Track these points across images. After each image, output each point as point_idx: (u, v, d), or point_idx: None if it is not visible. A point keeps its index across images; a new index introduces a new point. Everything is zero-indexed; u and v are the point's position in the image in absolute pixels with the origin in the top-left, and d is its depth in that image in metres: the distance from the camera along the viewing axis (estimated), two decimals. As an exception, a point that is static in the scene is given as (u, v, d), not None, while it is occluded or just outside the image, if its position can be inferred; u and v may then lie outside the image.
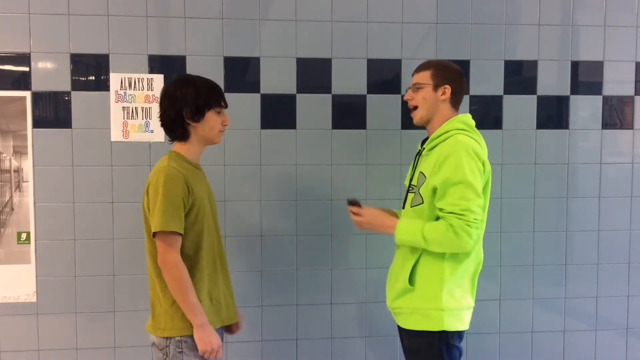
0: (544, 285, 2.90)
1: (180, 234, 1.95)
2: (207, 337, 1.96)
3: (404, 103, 2.76)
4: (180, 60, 2.67)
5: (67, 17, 2.61)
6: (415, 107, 2.15)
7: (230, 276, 2.22)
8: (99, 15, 2.62)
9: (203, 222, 2.03)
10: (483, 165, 2.02)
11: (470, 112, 2.81)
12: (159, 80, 2.66)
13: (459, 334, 2.07)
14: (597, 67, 2.89)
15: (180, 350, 2.00)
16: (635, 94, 2.92)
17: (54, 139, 2.63)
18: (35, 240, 2.65)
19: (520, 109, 2.85)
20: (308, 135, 2.76)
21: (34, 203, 2.64)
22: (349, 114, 2.79)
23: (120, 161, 2.66)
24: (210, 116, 2.06)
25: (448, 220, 1.93)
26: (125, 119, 2.65)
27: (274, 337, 2.80)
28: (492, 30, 2.82)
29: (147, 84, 2.66)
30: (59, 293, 2.67)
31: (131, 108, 2.65)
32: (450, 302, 2.03)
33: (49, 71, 2.62)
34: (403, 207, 2.20)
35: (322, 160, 2.77)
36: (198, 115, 2.03)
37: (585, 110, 2.89)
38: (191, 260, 2.02)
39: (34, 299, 2.66)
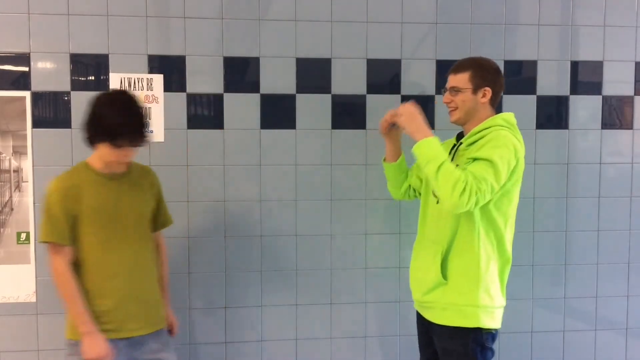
0: (544, 285, 2.90)
1: (63, 244, 2.04)
2: (91, 345, 2.01)
3: (404, 103, 2.79)
4: (180, 60, 2.67)
5: (67, 17, 2.61)
6: (455, 109, 2.13)
7: (158, 283, 2.27)
8: (98, 15, 2.62)
9: (97, 232, 2.07)
10: (517, 162, 2.00)
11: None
12: (158, 80, 2.66)
13: (492, 335, 2.06)
14: (596, 67, 2.89)
15: (71, 352, 2.09)
16: (635, 94, 2.92)
17: (53, 139, 2.63)
18: (35, 241, 2.64)
19: (519, 109, 2.82)
20: (308, 136, 2.76)
21: (34, 203, 2.63)
22: (348, 114, 2.79)
23: (120, 161, 2.66)
24: (102, 147, 2.06)
25: (466, 177, 1.87)
26: (125, 119, 2.65)
27: (274, 337, 2.79)
28: (491, 31, 2.82)
29: (147, 84, 2.66)
30: (55, 293, 2.66)
31: (131, 108, 2.65)
32: (486, 299, 2.03)
33: (49, 71, 2.62)
34: (437, 203, 2.11)
35: (321, 160, 2.77)
36: (89, 141, 2.07)
37: (584, 110, 2.89)
38: (81, 268, 2.09)
39: (33, 299, 2.66)
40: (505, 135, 2.00)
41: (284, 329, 2.80)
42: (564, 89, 2.87)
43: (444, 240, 2.06)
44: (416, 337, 2.77)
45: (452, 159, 2.13)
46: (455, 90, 2.10)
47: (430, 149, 1.97)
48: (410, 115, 2.06)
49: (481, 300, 2.01)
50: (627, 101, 2.92)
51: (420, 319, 2.26)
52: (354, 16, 2.75)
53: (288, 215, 2.77)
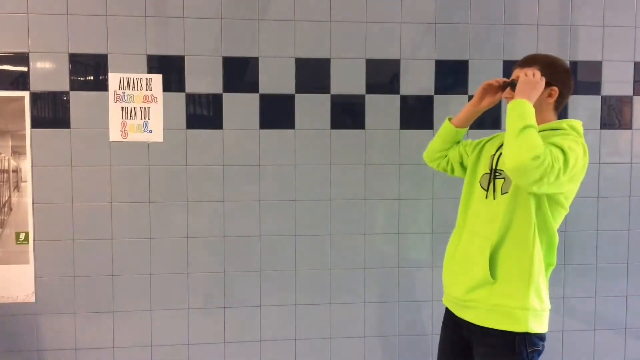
0: (543, 285, 2.90)
1: None
2: None
3: (403, 103, 2.79)
4: (179, 60, 2.67)
5: (66, 17, 2.60)
6: None
7: None
8: (97, 15, 2.62)
9: None
10: (583, 164, 1.84)
11: (469, 112, 2.81)
12: (157, 80, 2.66)
13: (541, 337, 1.90)
14: (595, 67, 2.89)
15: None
16: (634, 94, 2.92)
17: (52, 139, 2.63)
18: (34, 241, 2.64)
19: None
20: (307, 136, 2.76)
21: (33, 203, 2.63)
22: (347, 114, 2.79)
23: (119, 161, 2.66)
24: None
25: (546, 149, 1.69)
26: (124, 119, 2.65)
27: (273, 337, 2.79)
28: (490, 31, 2.82)
29: (146, 84, 2.66)
30: (57, 293, 2.67)
31: (130, 108, 2.65)
32: (536, 302, 1.86)
33: (48, 71, 2.61)
34: (487, 194, 1.96)
35: (320, 160, 2.77)
36: None
37: (583, 110, 2.89)
38: None
39: (32, 299, 2.66)
40: (576, 138, 1.84)
41: (283, 328, 2.80)
42: (563, 89, 2.87)
43: (494, 234, 1.87)
44: (416, 337, 2.76)
45: (499, 151, 1.96)
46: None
47: (526, 110, 1.76)
48: (535, 83, 1.84)
49: (532, 303, 1.85)
50: (626, 101, 2.92)
51: (452, 317, 2.05)
52: (353, 16, 2.75)
53: (287, 215, 2.77)
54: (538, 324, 1.88)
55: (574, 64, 2.87)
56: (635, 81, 2.91)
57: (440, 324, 2.16)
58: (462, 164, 2.19)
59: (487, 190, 1.97)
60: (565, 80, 1.93)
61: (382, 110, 2.80)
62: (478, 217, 1.99)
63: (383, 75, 2.80)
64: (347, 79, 2.77)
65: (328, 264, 2.81)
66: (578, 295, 2.93)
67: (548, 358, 2.92)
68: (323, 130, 2.77)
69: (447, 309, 2.11)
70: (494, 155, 2.00)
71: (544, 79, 1.86)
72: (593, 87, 2.89)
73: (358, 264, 2.82)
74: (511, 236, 1.87)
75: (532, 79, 1.85)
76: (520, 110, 1.77)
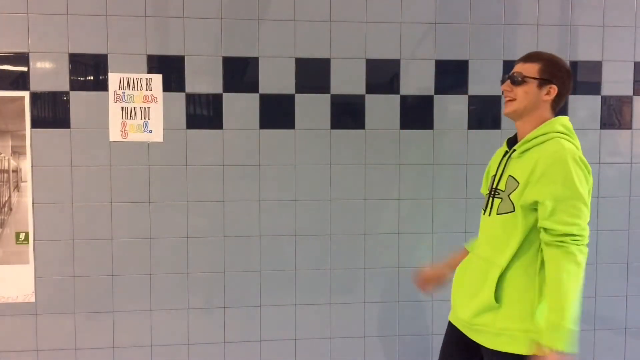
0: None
1: None
2: None
3: (403, 103, 2.79)
4: (179, 61, 2.67)
5: (66, 17, 2.60)
6: (512, 100, 1.92)
7: None
8: (97, 15, 2.62)
9: None
10: (586, 167, 1.84)
11: (469, 112, 2.81)
12: (157, 80, 2.66)
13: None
14: (595, 67, 2.89)
15: None
16: (634, 94, 2.92)
17: (52, 139, 2.63)
18: (34, 240, 2.64)
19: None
20: (307, 136, 2.76)
21: (33, 203, 2.63)
22: (347, 114, 2.79)
23: (119, 161, 2.66)
24: None
25: (565, 248, 1.73)
26: (124, 119, 2.65)
27: (273, 337, 2.79)
28: (490, 30, 2.82)
29: (146, 84, 2.66)
30: (57, 293, 2.67)
31: (130, 108, 2.65)
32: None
33: (48, 71, 2.61)
34: (485, 213, 2.00)
35: (320, 160, 2.77)
36: None
37: (583, 110, 2.89)
38: None
39: (32, 299, 2.66)
40: (569, 149, 1.80)
41: (283, 328, 2.80)
42: (563, 89, 2.87)
43: (502, 260, 1.86)
44: (415, 337, 2.76)
45: (503, 170, 1.95)
46: (520, 78, 1.90)
47: (570, 320, 1.73)
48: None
49: (533, 324, 1.82)
50: (626, 101, 2.92)
51: (458, 333, 2.04)
52: (353, 16, 2.75)
53: (287, 215, 2.77)
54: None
55: (574, 64, 2.87)
56: (635, 81, 2.92)
57: (440, 323, 2.18)
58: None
59: (485, 210, 1.99)
60: (566, 80, 1.93)
61: (382, 110, 2.80)
62: (480, 238, 2.03)
63: (383, 75, 2.80)
64: (347, 78, 2.77)
65: (328, 264, 2.81)
66: (578, 295, 2.93)
67: (548, 358, 2.93)
68: (323, 130, 2.77)
69: (450, 323, 2.11)
70: (495, 175, 2.00)
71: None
72: (593, 87, 2.89)
73: (358, 264, 2.82)
74: (518, 263, 1.86)
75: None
76: (572, 312, 1.73)
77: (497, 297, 1.86)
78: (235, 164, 2.73)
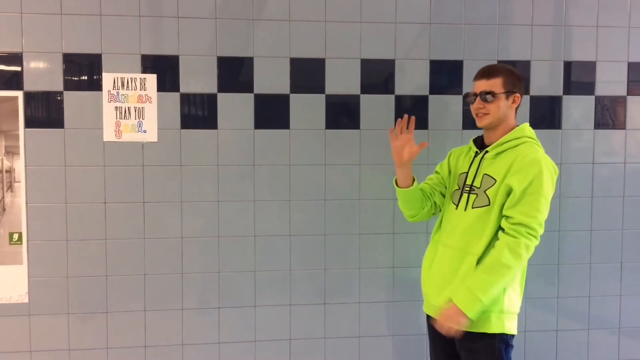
0: (537, 285, 2.90)
1: None
2: None
3: (398, 103, 2.80)
4: (174, 60, 2.67)
5: (60, 17, 2.59)
6: (486, 114, 2.12)
7: None
8: (91, 14, 2.61)
9: None
10: (555, 173, 2.08)
11: (463, 112, 2.82)
12: (152, 80, 2.65)
13: (513, 336, 2.10)
14: (589, 67, 2.90)
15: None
16: (628, 94, 2.93)
17: (46, 139, 2.62)
18: (28, 241, 2.63)
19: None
20: (302, 136, 2.76)
21: (26, 203, 2.62)
22: (342, 114, 2.79)
23: (113, 161, 2.65)
24: None
25: (517, 239, 1.95)
26: (118, 119, 2.64)
27: (268, 338, 2.79)
28: (485, 31, 2.82)
29: (140, 84, 2.65)
30: (51, 294, 2.66)
31: (124, 108, 2.64)
32: (509, 306, 2.07)
33: (41, 71, 2.60)
34: (457, 208, 2.17)
35: (315, 160, 2.77)
36: None
37: (577, 110, 2.90)
38: None
39: (26, 300, 2.65)
40: (545, 157, 2.04)
41: (278, 329, 2.80)
42: (557, 89, 2.88)
43: (478, 249, 2.05)
44: (409, 337, 2.79)
45: (477, 169, 2.14)
46: (491, 95, 2.09)
47: (485, 295, 1.98)
48: (451, 325, 2.03)
49: (505, 306, 2.05)
50: (619, 101, 2.93)
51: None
52: (348, 16, 2.75)
53: (282, 215, 2.77)
54: (511, 325, 2.08)
55: (568, 64, 2.88)
56: (629, 81, 2.92)
57: None
58: (444, 194, 2.37)
59: (457, 204, 2.16)
60: (521, 85, 2.17)
61: (377, 110, 2.80)
62: (450, 230, 2.17)
63: (378, 75, 2.80)
64: (342, 78, 2.77)
65: (323, 264, 2.80)
66: (572, 295, 2.94)
67: (543, 357, 2.95)
68: (318, 130, 2.77)
69: (428, 316, 2.29)
70: (467, 173, 2.18)
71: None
72: (587, 87, 2.90)
73: (353, 264, 2.82)
74: (491, 248, 2.04)
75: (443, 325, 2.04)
76: (487, 295, 1.98)
77: None
78: (230, 164, 2.72)
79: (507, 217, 1.99)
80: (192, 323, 2.74)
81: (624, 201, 2.94)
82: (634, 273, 2.97)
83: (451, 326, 2.00)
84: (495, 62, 2.80)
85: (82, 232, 2.65)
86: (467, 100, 2.18)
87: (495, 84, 2.09)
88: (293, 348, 2.81)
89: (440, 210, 2.37)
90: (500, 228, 2.03)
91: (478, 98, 2.12)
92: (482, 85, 2.12)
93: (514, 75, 2.14)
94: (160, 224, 2.69)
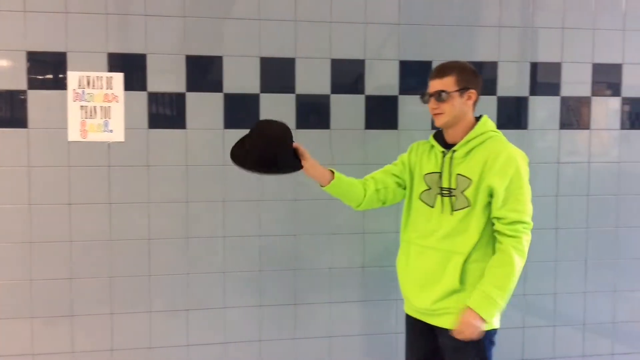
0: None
1: None
2: None
3: (368, 103, 2.80)
4: (141, 59, 2.63)
5: (24, 14, 2.53)
6: (441, 114, 2.08)
7: None
8: (56, 12, 2.56)
9: None
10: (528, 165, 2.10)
11: (432, 112, 2.84)
12: (118, 78, 2.61)
13: (496, 330, 2.10)
14: (555, 68, 2.95)
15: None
16: (592, 95, 2.99)
17: (9, 139, 2.56)
18: (-10, 243, 2.57)
19: (480, 110, 2.85)
20: (271, 135, 2.74)
21: (-12, 205, 2.56)
22: (312, 113, 2.79)
23: (78, 162, 2.60)
24: None
25: (517, 239, 1.97)
26: (84, 119, 2.59)
27: (238, 339, 2.77)
28: (453, 32, 2.85)
29: (106, 83, 2.60)
30: (14, 297, 2.59)
31: (90, 107, 2.60)
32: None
33: (4, 69, 2.54)
34: (435, 209, 2.11)
35: (285, 160, 2.76)
36: None
37: (543, 110, 2.95)
38: None
39: (-12, 304, 2.58)
40: (516, 149, 2.06)
41: (248, 330, 2.78)
42: (523, 90, 2.92)
43: (466, 250, 2.03)
44: (380, 336, 2.80)
45: (449, 168, 2.09)
46: (444, 94, 2.04)
47: (502, 298, 1.99)
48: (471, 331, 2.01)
49: None
50: (584, 102, 2.99)
51: (418, 323, 2.19)
52: (318, 16, 2.75)
53: (252, 215, 2.75)
54: (497, 320, 2.08)
55: (535, 65, 2.92)
56: (593, 82, 2.98)
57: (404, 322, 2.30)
58: (401, 185, 2.30)
59: (432, 206, 2.12)
60: (478, 81, 2.11)
61: (347, 110, 2.80)
62: (428, 231, 2.13)
63: (348, 75, 2.80)
64: (312, 78, 2.76)
65: (293, 264, 2.80)
66: (538, 292, 2.99)
67: (509, 353, 2.99)
68: (288, 130, 2.76)
69: (408, 316, 2.26)
70: (440, 174, 2.12)
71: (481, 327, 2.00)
72: (552, 88, 2.95)
73: (323, 264, 2.82)
74: (479, 248, 2.04)
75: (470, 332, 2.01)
76: (504, 298, 2.00)
77: (462, 280, 2.03)
78: (199, 164, 2.70)
79: (498, 218, 1.99)
80: (160, 326, 2.71)
81: (588, 200, 3.00)
82: (598, 270, 3.04)
83: (472, 332, 1.98)
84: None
85: (46, 234, 2.60)
86: (423, 100, 2.13)
87: (448, 83, 2.05)
88: (263, 349, 2.80)
89: (397, 199, 2.30)
90: (495, 231, 2.02)
91: (432, 98, 2.08)
92: (435, 84, 2.07)
93: (467, 71, 2.08)
94: (127, 226, 2.65)
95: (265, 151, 2.09)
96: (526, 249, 1.99)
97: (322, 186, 2.21)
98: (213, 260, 2.73)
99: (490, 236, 2.05)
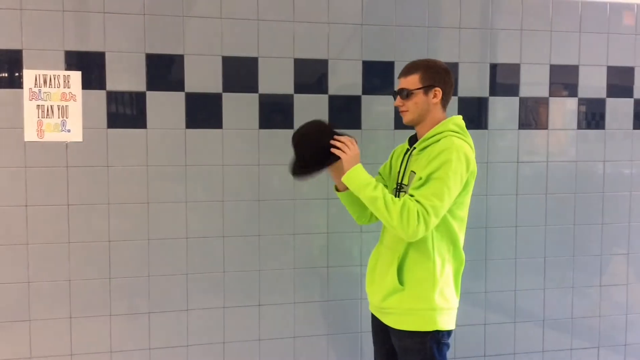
0: (465, 280, 2.91)
1: None
2: None
3: (331, 103, 2.81)
4: (99, 57, 2.57)
5: (-25, 10, 2.45)
6: (406, 111, 2.10)
7: None
8: (11, 8, 2.48)
9: None
10: (469, 174, 2.02)
11: (395, 112, 2.86)
12: (76, 77, 2.55)
13: (449, 332, 2.09)
14: (514, 69, 3.01)
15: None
16: (550, 96, 3.06)
17: (-40, 139, 2.47)
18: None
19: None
20: (235, 135, 2.72)
21: (-61, 207, 2.47)
22: (276, 113, 2.77)
23: (35, 162, 2.53)
24: None
25: (413, 204, 1.90)
26: (40, 118, 2.53)
27: (201, 341, 2.74)
28: (415, 33, 2.88)
29: (64, 81, 2.54)
30: (-33, 303, 2.51)
31: (46, 106, 2.53)
32: (441, 302, 2.04)
33: (-45, 66, 2.46)
34: None
35: (249, 160, 2.74)
36: None
37: (503, 111, 3.00)
38: None
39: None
40: (458, 147, 1.98)
41: (211, 332, 2.75)
42: (483, 91, 2.97)
43: (400, 247, 2.05)
44: (345, 335, 2.81)
45: (405, 165, 2.14)
46: (407, 92, 2.07)
47: (359, 181, 1.99)
48: (354, 156, 2.05)
49: (437, 303, 2.03)
50: (542, 102, 3.06)
51: (376, 320, 2.23)
52: (281, 15, 2.74)
53: (215, 216, 2.72)
54: (446, 321, 2.07)
55: (494, 66, 2.98)
56: (550, 83, 3.05)
57: (369, 321, 2.34)
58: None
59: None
60: (446, 78, 2.10)
61: (311, 109, 2.80)
62: (389, 231, 2.15)
63: (311, 75, 2.80)
64: (276, 78, 2.75)
65: (257, 265, 2.78)
66: (498, 289, 3.05)
67: (471, 350, 3.04)
68: (251, 130, 2.74)
69: (372, 314, 2.28)
70: (399, 171, 2.18)
71: (357, 148, 2.07)
72: (512, 89, 3.01)
73: (287, 264, 2.81)
74: (413, 246, 2.04)
75: (351, 154, 2.04)
76: (358, 186, 2.00)
77: (401, 280, 2.05)
78: (160, 165, 2.65)
79: (411, 195, 1.96)
80: (121, 329, 2.66)
81: (546, 198, 3.07)
82: (556, 267, 3.11)
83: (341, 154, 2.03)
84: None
85: (2, 237, 2.52)
86: (394, 97, 2.17)
87: (412, 81, 2.07)
88: (227, 351, 2.78)
89: None
90: (433, 230, 2.02)
91: (398, 96, 2.12)
92: (401, 82, 2.12)
93: (433, 69, 2.08)
94: (86, 227, 2.59)
95: (298, 151, 2.16)
96: (411, 223, 1.89)
97: (336, 190, 2.26)
98: (175, 262, 2.69)
99: (433, 239, 2.03)
